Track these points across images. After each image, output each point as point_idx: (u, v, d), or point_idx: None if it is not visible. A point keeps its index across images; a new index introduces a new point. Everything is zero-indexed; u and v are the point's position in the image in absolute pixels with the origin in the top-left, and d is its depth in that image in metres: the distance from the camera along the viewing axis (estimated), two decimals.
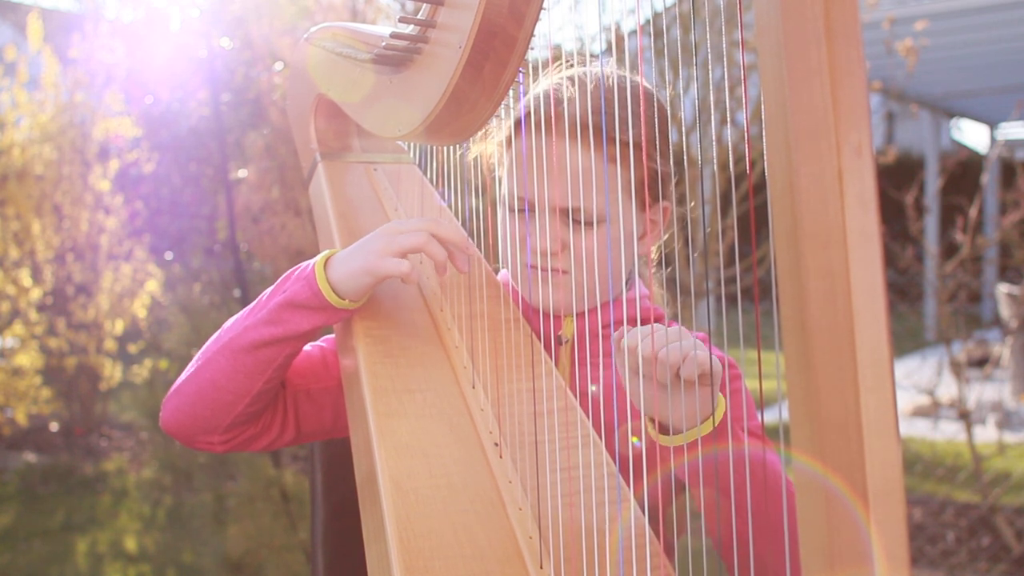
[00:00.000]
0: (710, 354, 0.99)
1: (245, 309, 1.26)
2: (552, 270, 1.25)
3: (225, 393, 1.22)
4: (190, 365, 1.27)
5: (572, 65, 1.29)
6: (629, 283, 1.35)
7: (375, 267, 1.17)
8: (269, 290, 1.25)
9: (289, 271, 1.24)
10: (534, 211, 1.23)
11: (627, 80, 1.26)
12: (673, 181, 1.27)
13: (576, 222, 1.23)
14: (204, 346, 1.27)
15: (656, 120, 1.27)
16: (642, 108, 1.23)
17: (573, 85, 1.23)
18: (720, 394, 1.05)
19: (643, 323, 1.31)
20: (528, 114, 1.24)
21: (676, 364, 0.98)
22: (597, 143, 1.21)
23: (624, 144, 1.21)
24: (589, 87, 1.22)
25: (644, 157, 1.23)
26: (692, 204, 1.07)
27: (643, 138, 1.22)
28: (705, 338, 1.33)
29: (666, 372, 0.99)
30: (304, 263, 1.24)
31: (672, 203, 1.31)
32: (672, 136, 1.36)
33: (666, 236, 1.35)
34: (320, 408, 1.33)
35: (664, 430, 1.05)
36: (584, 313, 1.30)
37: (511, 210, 1.28)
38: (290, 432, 1.33)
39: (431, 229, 1.21)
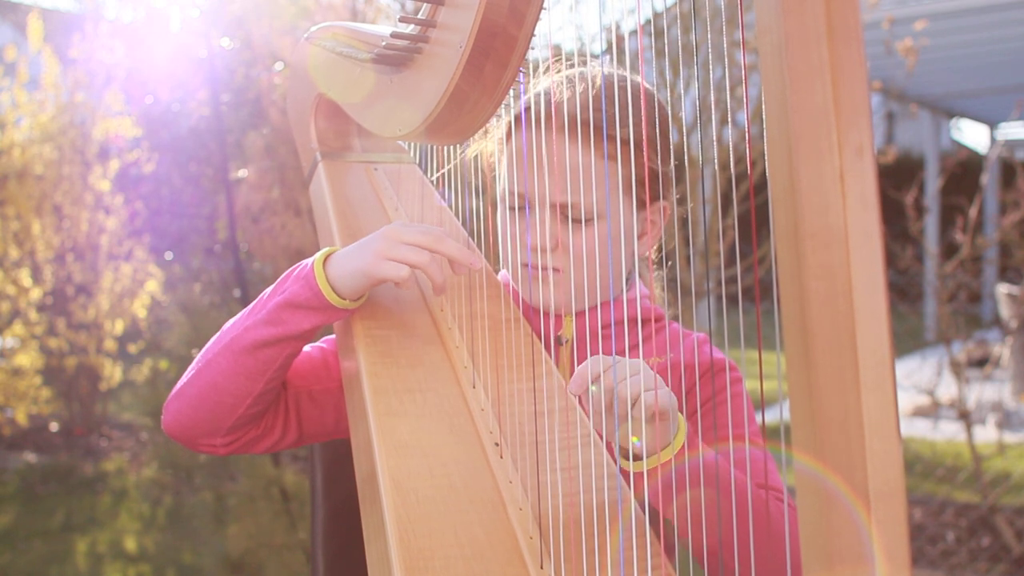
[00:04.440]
0: (668, 390, 0.99)
1: (245, 309, 1.25)
2: (546, 268, 1.25)
3: (226, 395, 1.22)
4: (191, 367, 1.26)
5: (573, 65, 1.29)
6: (629, 283, 1.35)
7: (372, 270, 1.16)
8: (269, 290, 1.24)
9: (289, 270, 1.23)
10: (532, 208, 1.23)
11: (627, 80, 1.27)
12: (673, 181, 1.27)
13: (573, 220, 1.23)
14: (205, 348, 1.26)
15: (657, 120, 1.27)
16: (643, 107, 1.23)
17: (572, 83, 1.23)
18: (680, 416, 1.04)
19: (644, 324, 1.32)
20: (526, 110, 1.23)
21: (632, 398, 0.98)
22: (596, 140, 1.21)
23: (622, 142, 1.21)
24: (589, 86, 1.23)
25: (642, 155, 1.23)
26: (692, 205, 1.06)
27: (643, 136, 1.22)
28: (705, 338, 1.33)
29: (624, 407, 0.99)
30: (304, 262, 1.23)
31: (672, 203, 1.31)
32: (672, 136, 1.36)
33: (665, 237, 1.35)
34: (322, 409, 1.33)
35: (627, 454, 1.04)
36: (584, 312, 1.30)
37: (510, 208, 1.28)
38: (292, 434, 1.32)
39: (434, 246, 1.18)
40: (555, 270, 1.26)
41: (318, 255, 1.21)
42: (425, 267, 1.17)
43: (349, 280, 1.18)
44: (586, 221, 1.23)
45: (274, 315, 1.19)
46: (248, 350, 1.20)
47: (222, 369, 1.21)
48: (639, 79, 1.29)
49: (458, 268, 1.23)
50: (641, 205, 1.28)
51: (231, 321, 1.26)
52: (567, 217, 1.23)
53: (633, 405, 0.98)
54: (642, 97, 1.24)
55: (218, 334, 1.26)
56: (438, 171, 1.43)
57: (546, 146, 1.21)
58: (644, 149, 1.23)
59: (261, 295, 1.25)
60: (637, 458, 1.03)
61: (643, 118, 1.23)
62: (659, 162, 1.26)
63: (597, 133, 1.21)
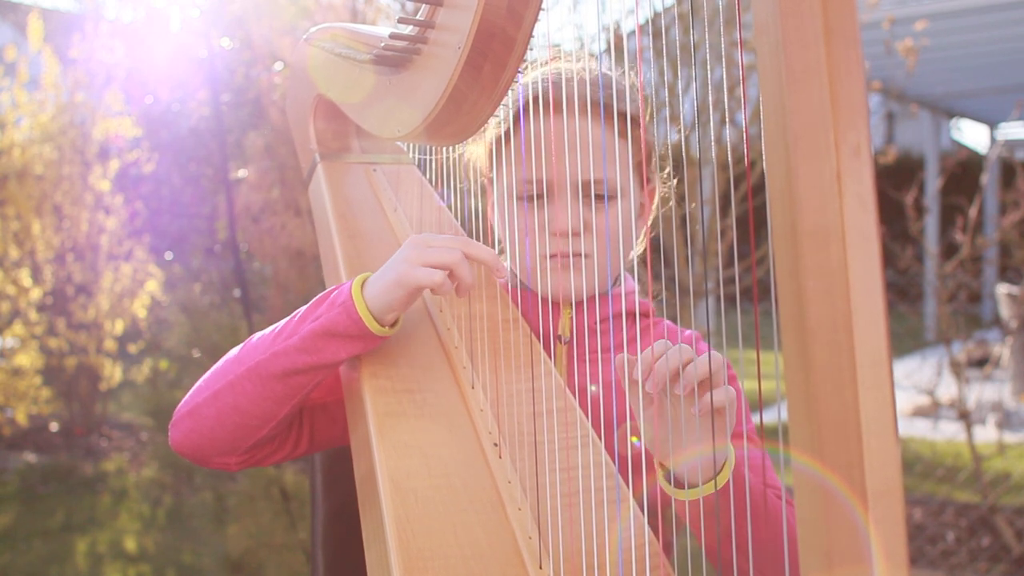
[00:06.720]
0: (727, 386, 0.98)
1: (269, 331, 1.21)
2: (577, 254, 1.25)
3: (250, 418, 1.19)
4: (204, 385, 1.23)
5: (556, 59, 1.30)
6: (619, 276, 1.36)
7: (406, 278, 1.13)
8: (299, 313, 1.20)
9: (320, 296, 1.20)
10: (551, 193, 1.23)
11: (613, 72, 1.30)
12: (670, 165, 1.30)
13: (597, 197, 1.24)
14: (219, 366, 1.23)
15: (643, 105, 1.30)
16: (639, 88, 1.27)
17: (563, 72, 1.25)
18: (732, 445, 1.04)
19: (637, 318, 1.33)
20: (536, 97, 1.23)
21: (702, 376, 0.96)
22: (606, 116, 1.23)
23: (626, 117, 1.24)
24: (583, 70, 1.25)
25: (649, 133, 1.26)
26: (692, 205, 1.07)
27: (647, 113, 1.25)
28: (699, 336, 1.33)
29: (691, 384, 0.96)
30: (338, 286, 1.20)
31: (670, 186, 1.33)
32: (672, 136, 1.39)
33: (661, 228, 1.36)
34: (333, 420, 1.32)
35: (674, 480, 1.04)
36: (583, 304, 1.30)
37: (527, 199, 1.26)
38: (303, 445, 1.31)
39: (464, 248, 1.17)
40: (584, 255, 1.26)
41: (355, 281, 1.17)
42: (456, 266, 1.15)
43: (384, 297, 1.15)
44: (609, 199, 1.24)
45: (309, 343, 1.16)
46: (278, 376, 1.17)
47: (246, 392, 1.18)
48: (612, 73, 1.31)
49: (494, 275, 1.24)
50: (645, 182, 1.31)
51: (254, 341, 1.22)
52: (590, 198, 1.24)
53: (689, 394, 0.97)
54: (638, 80, 1.27)
55: (237, 352, 1.22)
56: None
57: (559, 127, 1.22)
58: (644, 126, 1.26)
59: (290, 318, 1.20)
60: (679, 485, 1.03)
61: (641, 98, 1.25)
62: (655, 144, 1.29)
63: (606, 110, 1.23)
